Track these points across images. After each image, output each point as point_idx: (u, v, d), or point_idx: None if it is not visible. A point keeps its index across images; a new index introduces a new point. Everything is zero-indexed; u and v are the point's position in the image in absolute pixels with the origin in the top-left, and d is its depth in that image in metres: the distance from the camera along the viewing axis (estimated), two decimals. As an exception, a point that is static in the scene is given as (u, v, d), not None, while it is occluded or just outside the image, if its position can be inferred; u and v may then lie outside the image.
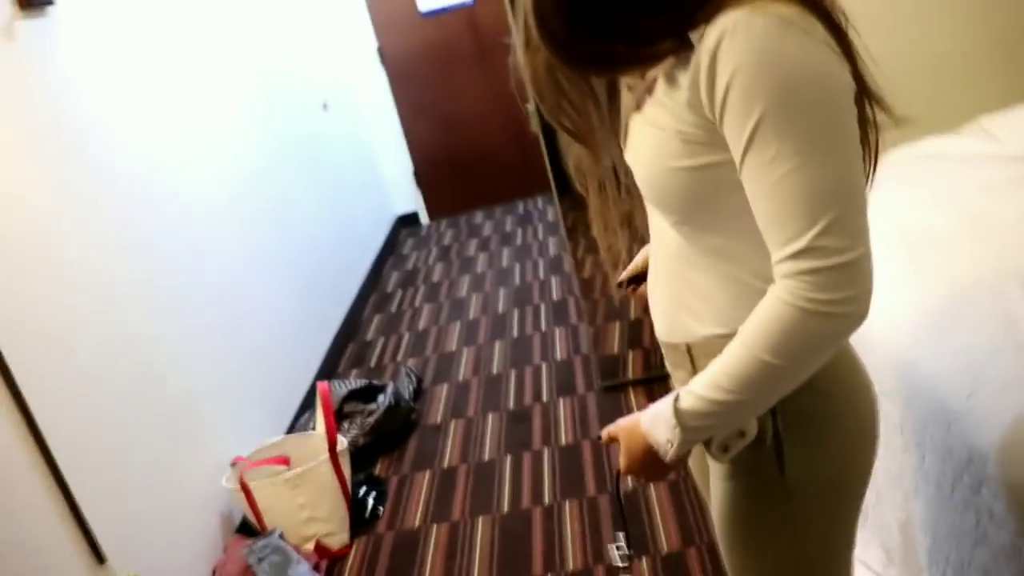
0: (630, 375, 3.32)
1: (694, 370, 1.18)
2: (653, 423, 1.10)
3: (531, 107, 2.35)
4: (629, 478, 1.21)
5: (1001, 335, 1.54)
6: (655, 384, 3.25)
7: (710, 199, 1.06)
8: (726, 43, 0.92)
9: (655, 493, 2.63)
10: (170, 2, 3.27)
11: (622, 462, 1.18)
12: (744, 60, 0.91)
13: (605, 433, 1.22)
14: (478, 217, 6.07)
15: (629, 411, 3.12)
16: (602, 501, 2.68)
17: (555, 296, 4.37)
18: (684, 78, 0.99)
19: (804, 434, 1.13)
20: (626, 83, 1.16)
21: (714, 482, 1.23)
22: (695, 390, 1.05)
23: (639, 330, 3.26)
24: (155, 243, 2.76)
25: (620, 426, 1.19)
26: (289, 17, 4.83)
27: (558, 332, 3.96)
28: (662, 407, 1.08)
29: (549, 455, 3.01)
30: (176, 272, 2.85)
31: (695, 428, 1.06)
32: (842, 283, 0.93)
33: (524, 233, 5.50)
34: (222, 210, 3.32)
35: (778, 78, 0.91)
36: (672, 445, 1.07)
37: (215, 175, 3.34)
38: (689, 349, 1.19)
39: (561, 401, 3.35)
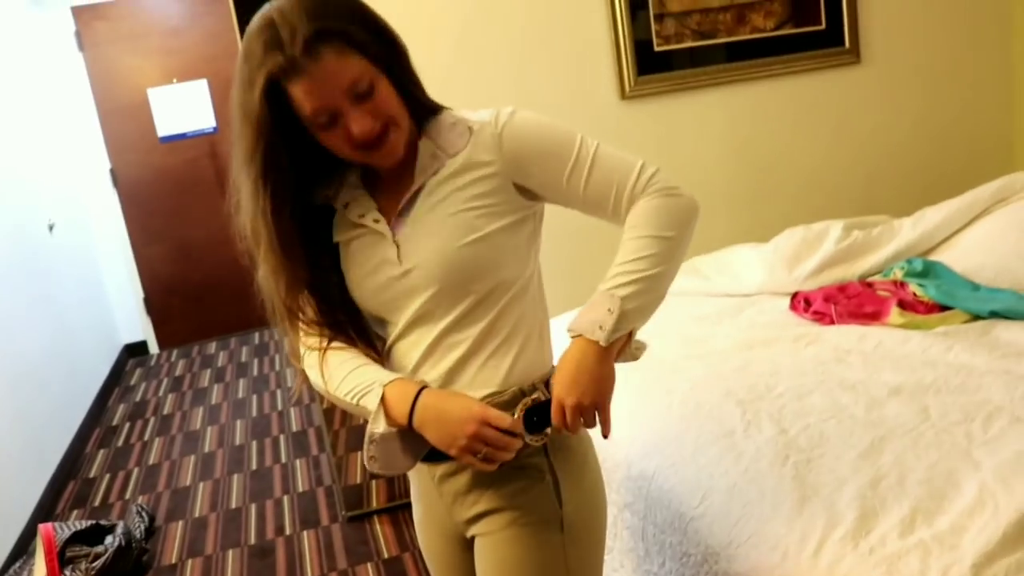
0: (374, 504, 3.32)
1: None
2: (583, 316, 1.27)
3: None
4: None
5: (724, 447, 1.75)
6: (399, 512, 3.27)
7: (496, 262, 1.30)
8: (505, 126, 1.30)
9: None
10: None
11: (572, 391, 1.25)
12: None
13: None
14: (212, 347, 5.88)
15: (375, 541, 3.11)
16: (352, 634, 2.64)
17: (295, 427, 4.30)
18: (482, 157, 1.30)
19: (570, 468, 1.36)
20: (371, 219, 1.34)
21: (488, 541, 1.36)
22: (612, 282, 1.27)
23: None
24: None
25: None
26: (15, 130, 4.58)
27: (299, 463, 3.88)
28: (584, 308, 1.28)
29: (295, 590, 2.92)
30: None
31: (627, 297, 1.26)
32: (669, 177, 1.33)
33: (260, 364, 5.38)
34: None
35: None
36: (612, 313, 1.24)
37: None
38: None
39: (305, 534, 3.27)
